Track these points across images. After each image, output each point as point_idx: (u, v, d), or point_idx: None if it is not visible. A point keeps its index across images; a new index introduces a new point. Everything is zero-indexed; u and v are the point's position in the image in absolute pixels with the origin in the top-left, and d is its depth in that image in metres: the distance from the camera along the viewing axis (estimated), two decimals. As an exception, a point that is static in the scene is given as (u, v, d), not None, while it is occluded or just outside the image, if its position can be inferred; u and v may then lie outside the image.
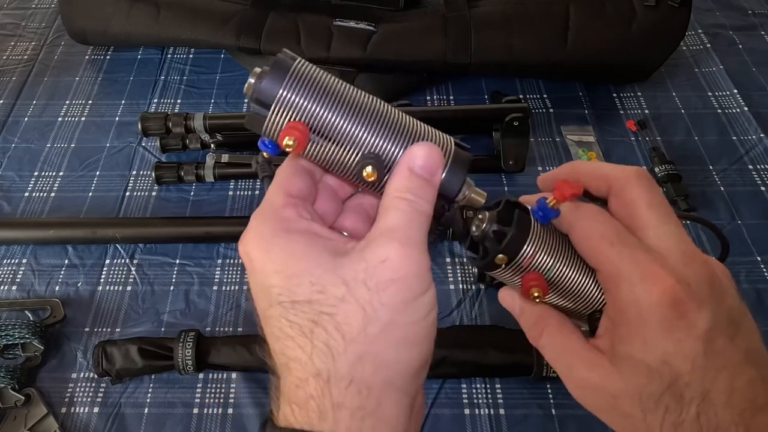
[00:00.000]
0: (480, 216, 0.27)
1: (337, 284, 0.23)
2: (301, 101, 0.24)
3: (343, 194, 0.29)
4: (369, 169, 0.25)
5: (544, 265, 0.26)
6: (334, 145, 0.25)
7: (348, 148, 0.25)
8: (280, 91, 0.24)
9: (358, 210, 0.29)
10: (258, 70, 0.25)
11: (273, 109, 0.24)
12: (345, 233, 0.27)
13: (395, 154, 0.25)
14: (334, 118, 0.25)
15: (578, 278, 0.27)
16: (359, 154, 0.25)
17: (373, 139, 0.25)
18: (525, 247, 0.26)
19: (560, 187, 0.26)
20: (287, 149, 0.24)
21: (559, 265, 0.27)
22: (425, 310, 0.23)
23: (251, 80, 0.25)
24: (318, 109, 0.25)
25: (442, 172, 0.25)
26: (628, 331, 0.25)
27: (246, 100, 0.73)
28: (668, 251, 0.24)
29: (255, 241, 0.24)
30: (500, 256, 0.26)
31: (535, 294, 0.26)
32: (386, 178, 0.25)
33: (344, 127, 0.25)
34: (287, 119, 0.24)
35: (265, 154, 0.26)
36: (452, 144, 0.27)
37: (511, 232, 0.26)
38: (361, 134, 0.25)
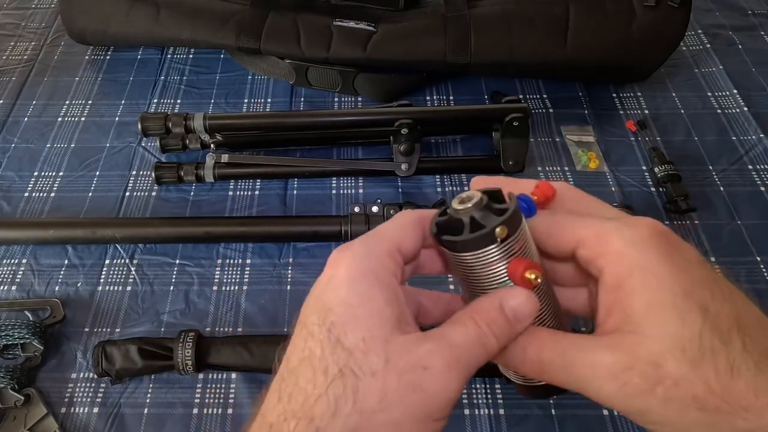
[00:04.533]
0: (465, 195, 0.26)
1: (380, 357, 0.22)
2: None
3: (419, 272, 0.29)
4: None
5: (532, 253, 0.25)
6: None
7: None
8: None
9: (412, 299, 0.28)
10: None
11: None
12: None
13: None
14: None
15: (551, 296, 0.26)
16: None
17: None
18: (523, 224, 0.25)
19: (542, 187, 0.26)
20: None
21: (538, 260, 0.26)
22: None
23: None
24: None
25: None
26: (639, 281, 0.23)
27: (245, 100, 0.73)
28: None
29: (351, 259, 0.24)
30: (501, 227, 0.24)
31: (533, 276, 0.24)
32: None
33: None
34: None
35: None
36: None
37: (513, 206, 0.24)
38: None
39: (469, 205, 0.25)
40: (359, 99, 0.73)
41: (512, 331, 0.24)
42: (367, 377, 0.22)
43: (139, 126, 0.63)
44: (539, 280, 0.24)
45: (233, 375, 0.51)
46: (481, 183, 0.28)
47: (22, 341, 0.52)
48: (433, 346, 0.23)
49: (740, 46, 0.78)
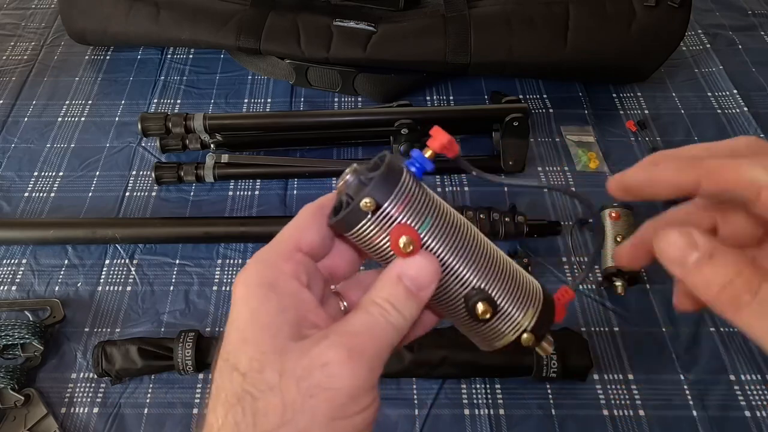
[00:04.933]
0: (345, 174, 0.24)
1: (275, 370, 0.21)
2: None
3: (363, 258, 0.27)
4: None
5: (420, 222, 0.23)
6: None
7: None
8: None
9: (367, 286, 0.27)
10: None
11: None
12: (344, 303, 0.26)
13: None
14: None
15: (472, 250, 0.24)
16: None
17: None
18: (398, 188, 0.23)
19: (436, 135, 0.24)
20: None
21: (445, 228, 0.23)
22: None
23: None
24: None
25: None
26: None
27: (245, 100, 0.74)
28: None
29: (244, 277, 0.24)
30: (366, 200, 0.22)
31: (404, 242, 0.22)
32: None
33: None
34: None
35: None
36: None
37: (379, 172, 0.23)
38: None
39: (344, 180, 0.24)
40: (359, 99, 0.73)
41: (418, 301, 0.23)
42: (265, 394, 0.21)
43: (139, 126, 0.63)
44: (411, 248, 0.22)
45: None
46: (628, 181, 0.25)
47: (22, 341, 0.52)
48: (330, 341, 0.22)
49: (740, 46, 0.78)
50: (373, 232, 0.23)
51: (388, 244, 0.23)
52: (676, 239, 0.21)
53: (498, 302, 0.24)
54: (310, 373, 0.21)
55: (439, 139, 0.25)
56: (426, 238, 0.23)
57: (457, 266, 0.24)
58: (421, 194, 0.23)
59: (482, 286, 0.24)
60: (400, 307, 0.23)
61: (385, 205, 0.23)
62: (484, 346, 0.27)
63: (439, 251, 0.23)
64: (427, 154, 0.25)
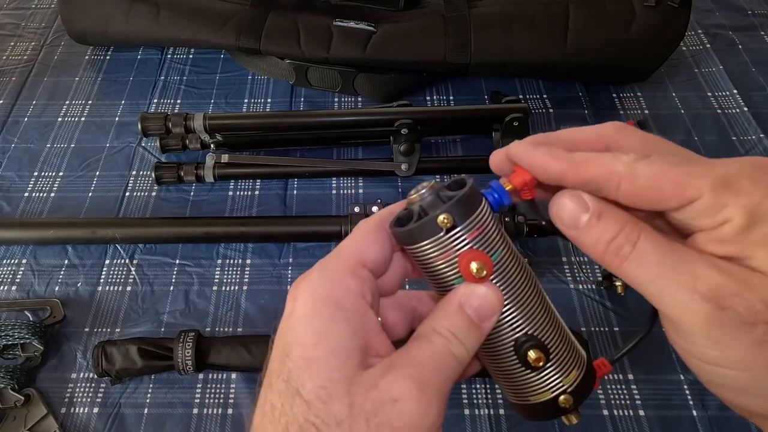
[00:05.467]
0: (421, 188, 0.24)
1: (343, 403, 0.20)
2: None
3: (410, 275, 0.26)
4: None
5: (498, 245, 0.23)
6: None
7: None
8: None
9: (405, 306, 0.26)
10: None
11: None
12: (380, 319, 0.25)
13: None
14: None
15: (531, 295, 0.24)
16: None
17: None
18: (476, 213, 0.22)
19: (520, 173, 0.24)
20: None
21: (511, 265, 0.23)
22: None
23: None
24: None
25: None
26: None
27: (245, 100, 0.73)
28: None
29: (308, 290, 0.22)
30: (444, 216, 0.22)
31: (475, 268, 0.22)
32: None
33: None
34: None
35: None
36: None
37: (463, 192, 0.22)
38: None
39: (418, 193, 0.23)
40: (359, 99, 0.73)
41: (479, 332, 0.22)
42: (332, 428, 0.20)
43: (139, 126, 0.63)
44: (484, 272, 0.22)
45: (233, 375, 0.51)
46: (502, 159, 0.25)
47: (22, 341, 0.52)
48: (398, 372, 0.21)
49: (740, 46, 0.78)
50: (440, 251, 0.22)
51: (449, 267, 0.23)
52: (567, 202, 0.22)
53: (551, 354, 0.24)
54: (382, 409, 0.20)
55: (522, 176, 0.24)
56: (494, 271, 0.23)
57: (516, 308, 0.23)
58: (494, 227, 0.23)
59: (536, 334, 0.23)
60: (462, 338, 0.22)
61: (461, 226, 0.22)
62: (518, 400, 0.26)
63: (502, 289, 0.23)
64: (508, 187, 0.24)
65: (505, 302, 0.23)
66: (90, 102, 0.74)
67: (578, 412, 0.25)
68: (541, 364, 0.23)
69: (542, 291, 0.25)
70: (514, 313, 0.23)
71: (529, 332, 0.23)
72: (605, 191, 0.22)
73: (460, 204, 0.22)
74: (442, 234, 0.22)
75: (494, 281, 0.23)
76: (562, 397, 0.24)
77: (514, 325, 0.23)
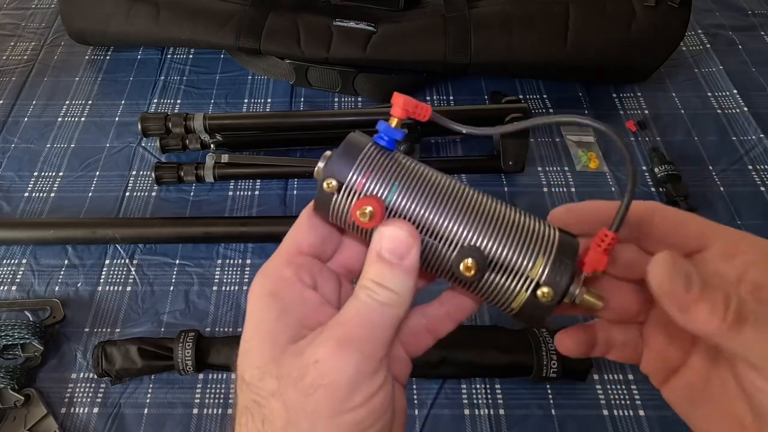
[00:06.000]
0: (320, 162, 0.23)
1: (272, 376, 0.22)
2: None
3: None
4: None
5: (388, 190, 0.22)
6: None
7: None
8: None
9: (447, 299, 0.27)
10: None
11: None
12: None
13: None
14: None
15: (456, 210, 0.22)
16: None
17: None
18: (357, 163, 0.22)
19: (396, 101, 0.24)
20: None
21: (412, 195, 0.22)
22: (359, 425, 0.21)
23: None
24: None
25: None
26: None
27: (245, 100, 0.73)
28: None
29: (251, 296, 0.24)
30: (327, 181, 0.22)
31: (360, 213, 0.21)
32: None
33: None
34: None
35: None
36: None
37: (335, 151, 0.22)
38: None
39: (316, 167, 0.23)
40: (359, 99, 0.73)
41: (403, 270, 0.22)
42: (268, 401, 0.22)
43: (139, 126, 0.63)
44: (370, 216, 0.21)
45: (233, 375, 0.51)
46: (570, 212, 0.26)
47: (22, 341, 0.52)
48: (322, 336, 0.21)
49: (740, 46, 0.78)
50: (346, 211, 0.22)
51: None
52: (669, 270, 0.20)
53: (495, 256, 0.22)
54: (306, 372, 0.21)
55: (399, 104, 0.24)
56: (398, 204, 0.22)
57: (440, 226, 0.22)
58: (388, 163, 0.23)
59: (473, 241, 0.22)
60: (388, 283, 0.21)
61: (346, 181, 0.22)
62: (508, 311, 0.24)
63: (417, 214, 0.22)
64: (393, 123, 0.24)
65: (427, 224, 0.22)
66: (90, 102, 0.74)
67: (597, 294, 0.23)
68: (472, 273, 0.22)
69: (475, 197, 0.23)
70: (440, 231, 0.22)
71: (466, 243, 0.22)
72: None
73: (337, 162, 0.22)
74: (336, 196, 0.22)
75: (403, 213, 0.22)
76: (538, 291, 0.22)
77: (448, 242, 0.22)
